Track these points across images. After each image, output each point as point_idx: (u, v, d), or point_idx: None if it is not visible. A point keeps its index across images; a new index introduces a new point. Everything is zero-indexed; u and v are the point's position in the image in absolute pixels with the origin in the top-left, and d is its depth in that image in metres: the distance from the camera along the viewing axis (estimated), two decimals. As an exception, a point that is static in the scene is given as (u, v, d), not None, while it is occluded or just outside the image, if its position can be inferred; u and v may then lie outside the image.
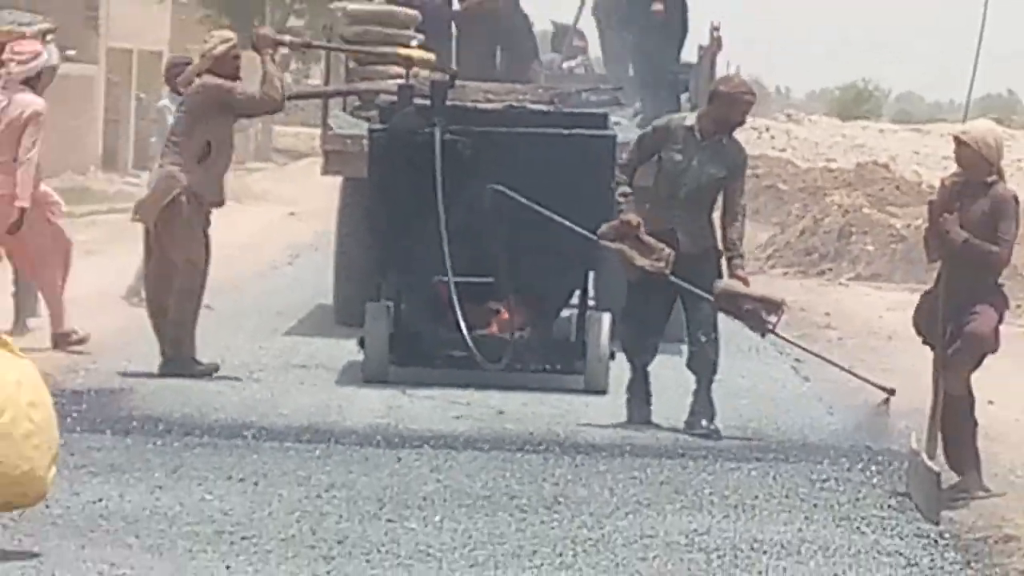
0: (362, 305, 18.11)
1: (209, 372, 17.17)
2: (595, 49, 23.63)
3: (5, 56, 18.36)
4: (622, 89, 20.47)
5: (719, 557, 11.47)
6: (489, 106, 18.21)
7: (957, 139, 13.86)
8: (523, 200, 16.80)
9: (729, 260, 15.96)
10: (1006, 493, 13.40)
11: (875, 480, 14.14)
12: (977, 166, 13.55)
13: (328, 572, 10.65)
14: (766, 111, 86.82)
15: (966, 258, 13.44)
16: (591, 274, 17.82)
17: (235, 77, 17.45)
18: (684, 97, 20.41)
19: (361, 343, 17.82)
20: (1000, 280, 13.71)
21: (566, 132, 17.61)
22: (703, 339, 15.84)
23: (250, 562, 10.81)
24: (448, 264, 17.05)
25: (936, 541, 12.30)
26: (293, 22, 68.49)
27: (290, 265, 26.52)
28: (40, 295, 18.57)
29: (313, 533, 11.64)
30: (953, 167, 13.99)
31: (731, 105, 15.90)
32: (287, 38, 22.38)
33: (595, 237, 15.99)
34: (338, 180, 21.22)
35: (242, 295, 21.88)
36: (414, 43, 20.06)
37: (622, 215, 15.70)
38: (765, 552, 11.65)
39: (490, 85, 19.33)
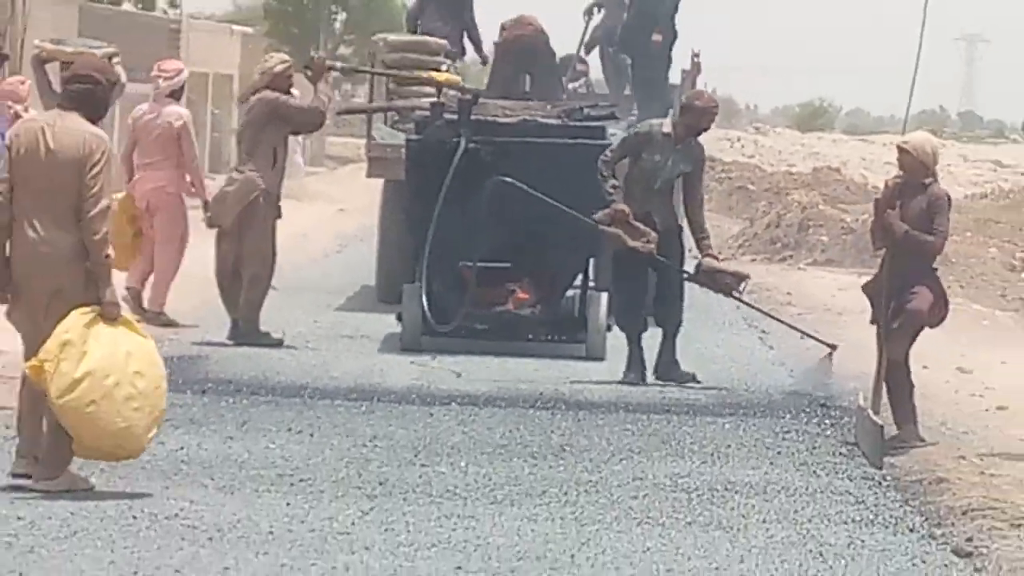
0: (400, 286, 18.14)
1: (273, 343, 17.15)
2: (595, 72, 23.62)
3: (154, 73, 18.55)
4: (618, 105, 20.44)
5: (698, 496, 11.46)
6: (506, 120, 18.18)
7: (900, 147, 13.90)
8: (537, 195, 16.82)
9: (699, 240, 16.59)
10: (938, 443, 13.39)
11: (828, 432, 14.14)
12: (916, 170, 13.57)
13: (371, 509, 10.63)
14: (737, 124, 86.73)
15: (906, 247, 13.45)
16: (591, 260, 17.81)
17: (286, 91, 17.44)
18: (671, 112, 20.37)
19: (399, 318, 17.85)
20: (935, 266, 13.72)
21: (571, 141, 17.66)
22: (670, 300, 16.31)
23: (306, 500, 10.80)
24: (472, 251, 17.14)
25: (880, 483, 12.29)
26: (343, 50, 68.47)
27: (339, 253, 26.46)
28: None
29: (359, 476, 11.63)
30: (895, 171, 14.02)
31: (701, 115, 16.43)
32: (338, 64, 22.40)
33: (600, 224, 16.06)
34: (380, 182, 21.20)
35: (300, 278, 21.84)
36: (443, 68, 20.01)
37: (614, 204, 15.92)
38: (736, 492, 11.64)
39: (507, 102, 19.30)
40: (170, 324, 18.12)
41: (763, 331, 19.61)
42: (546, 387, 15.60)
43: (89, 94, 10.64)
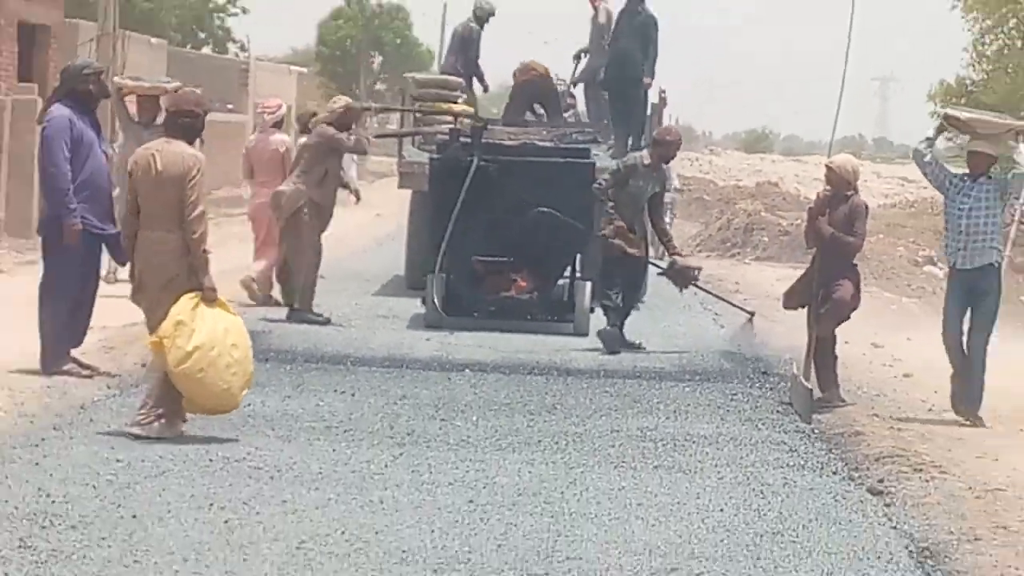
0: (424, 276, 18.13)
1: (321, 321, 17.15)
2: (581, 104, 23.59)
3: (259, 110, 18.75)
4: (599, 132, 20.46)
5: (663, 445, 11.46)
6: (510, 142, 18.23)
7: (827, 166, 13.95)
8: (568, 220, 16.96)
9: (666, 244, 17.07)
10: (856, 403, 13.40)
11: (768, 394, 14.13)
12: (840, 184, 13.58)
13: (400, 454, 10.64)
14: (695, 147, 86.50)
15: (832, 247, 13.45)
16: (578, 256, 17.83)
17: (346, 128, 17.46)
18: (644, 138, 20.36)
19: (423, 301, 17.84)
20: (855, 262, 13.73)
21: (561, 160, 17.72)
22: (636, 287, 16.94)
23: (348, 447, 10.80)
24: (483, 247, 17.19)
25: (809, 435, 12.29)
26: (379, 86, 68.49)
27: (376, 249, 26.45)
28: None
29: (390, 428, 11.63)
30: (823, 185, 13.99)
31: (669, 147, 16.87)
32: (372, 105, 22.50)
33: (584, 227, 16.31)
34: (408, 192, 21.18)
35: (344, 269, 21.82)
36: (460, 101, 20.02)
37: (615, 222, 16.30)
38: (693, 442, 11.64)
39: (511, 128, 19.34)
40: (277, 303, 18.40)
41: (716, 314, 19.61)
42: (541, 357, 15.59)
43: (190, 124, 10.98)
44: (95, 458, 9.94)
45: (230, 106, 41.36)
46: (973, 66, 52.96)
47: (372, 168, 51.13)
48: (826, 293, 13.46)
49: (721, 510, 9.46)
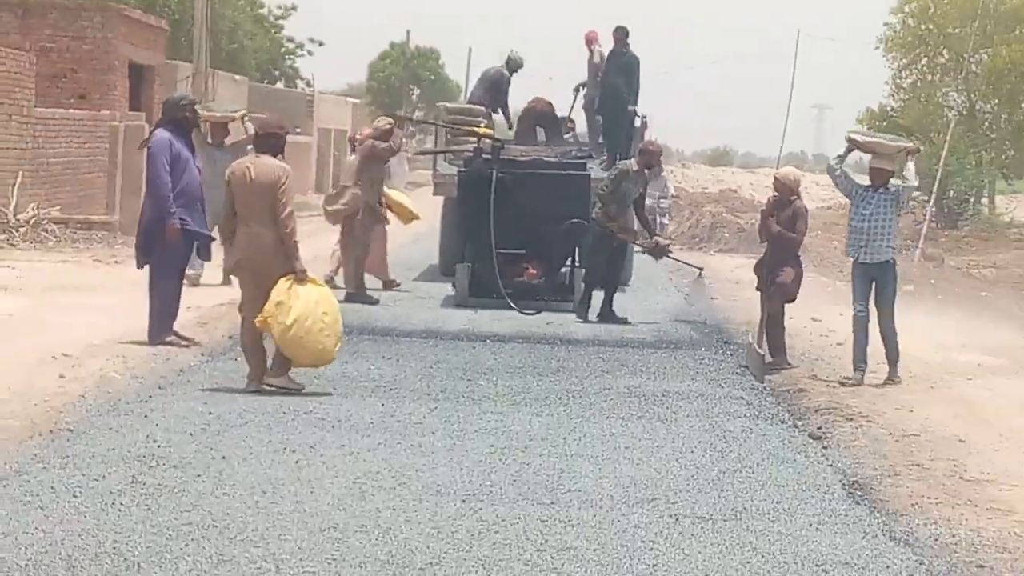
0: (454, 265, 18.14)
1: (372, 301, 17.15)
2: (580, 127, 23.52)
3: (359, 136, 18.64)
4: (594, 149, 20.42)
5: (645, 400, 11.45)
6: (523, 158, 18.21)
7: (775, 177, 13.95)
8: (556, 209, 17.06)
9: (648, 228, 17.32)
10: (799, 366, 13.36)
11: (729, 358, 14.10)
12: (785, 191, 13.57)
13: (435, 408, 10.63)
14: (670, 161, 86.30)
15: (779, 241, 13.43)
16: (576, 248, 17.80)
17: (386, 140, 17.49)
18: (632, 153, 20.32)
19: (453, 285, 17.84)
20: (798, 253, 13.71)
21: (564, 172, 17.71)
22: (619, 270, 17.05)
23: (393, 402, 10.81)
24: (501, 242, 17.18)
25: (762, 391, 12.28)
26: (417, 113, 68.38)
27: (415, 244, 26.39)
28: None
29: (427, 386, 11.63)
30: (772, 192, 13.95)
31: (651, 156, 16.94)
32: (411, 117, 22.59)
33: (581, 225, 16.43)
34: (441, 198, 21.16)
35: (390, 259, 21.78)
36: (483, 124, 20.00)
37: (619, 221, 16.53)
38: (670, 397, 11.63)
39: (524, 147, 19.30)
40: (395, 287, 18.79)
41: (686, 295, 19.57)
42: (547, 330, 15.58)
43: (276, 142, 11.15)
44: (192, 411, 9.96)
45: (298, 130, 41.34)
46: (893, 96, 52.87)
47: (412, 180, 51.17)
48: (773, 278, 13.47)
49: (691, 452, 9.45)
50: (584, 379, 12.38)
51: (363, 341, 14.13)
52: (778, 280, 13.40)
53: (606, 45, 21.21)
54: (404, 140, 18.54)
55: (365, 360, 12.88)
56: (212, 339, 13.26)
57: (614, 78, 20.53)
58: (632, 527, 7.39)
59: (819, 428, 10.47)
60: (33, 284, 16.92)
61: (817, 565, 6.86)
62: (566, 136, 21.42)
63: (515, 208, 17.18)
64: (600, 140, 21.05)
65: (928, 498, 8.22)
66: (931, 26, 50.42)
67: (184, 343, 12.60)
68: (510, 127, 23.66)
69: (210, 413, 9.90)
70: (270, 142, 11.06)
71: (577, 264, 17.82)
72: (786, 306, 13.57)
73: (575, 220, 16.92)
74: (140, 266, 12.87)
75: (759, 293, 13.72)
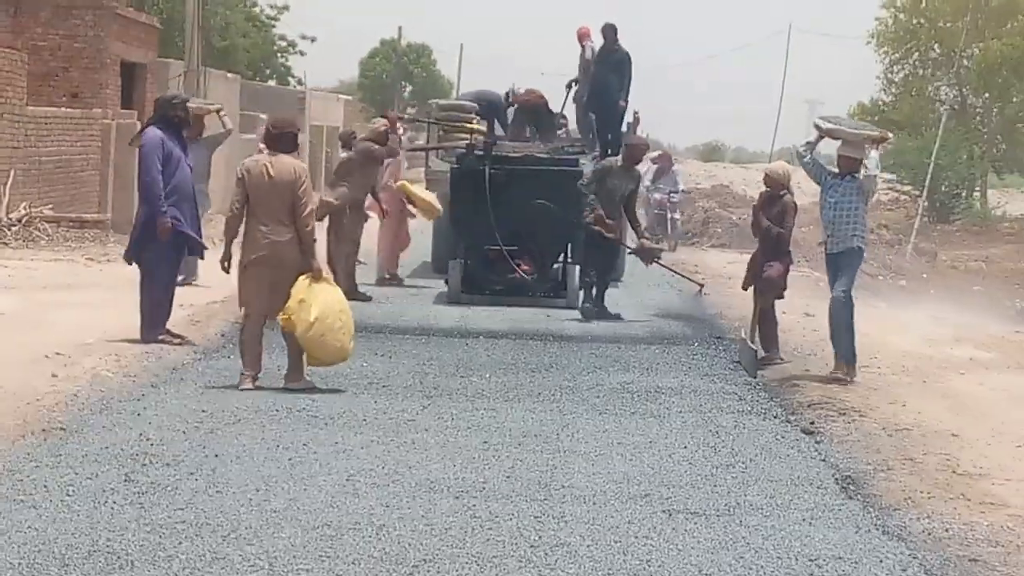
0: (447, 261, 18.14)
1: (364, 298, 17.13)
2: (572, 123, 23.49)
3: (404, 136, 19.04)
4: (586, 145, 20.39)
5: (637, 396, 11.46)
6: (515, 154, 18.20)
7: (765, 172, 13.94)
8: (548, 205, 16.98)
9: (636, 229, 17.01)
10: (791, 361, 13.38)
11: (722, 354, 14.11)
12: (775, 186, 13.56)
13: (428, 404, 10.63)
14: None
15: (769, 236, 13.42)
16: (569, 244, 17.78)
17: (383, 143, 17.45)
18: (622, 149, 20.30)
19: (446, 282, 17.84)
20: (788, 248, 13.70)
21: (555, 168, 17.67)
22: (610, 267, 16.88)
23: (386, 398, 10.81)
24: (493, 238, 17.19)
25: (754, 386, 12.29)
26: (409, 110, 68.34)
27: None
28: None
29: (420, 383, 11.63)
30: (763, 187, 13.95)
31: (635, 151, 16.83)
32: (403, 115, 22.56)
33: (574, 222, 16.36)
34: (434, 194, 21.14)
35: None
36: (474, 121, 19.98)
37: (596, 211, 16.18)
38: (662, 393, 11.63)
39: (516, 143, 19.28)
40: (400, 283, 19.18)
41: (679, 290, 19.59)
42: (540, 326, 15.59)
43: (292, 140, 11.21)
44: (185, 409, 9.95)
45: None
46: (884, 90, 52.92)
47: (408, 176, 51.20)
48: (760, 274, 13.46)
49: (684, 447, 9.45)
50: (577, 375, 12.38)
51: (356, 338, 14.07)
52: (764, 275, 13.39)
53: (598, 41, 21.18)
54: (401, 140, 18.48)
55: (358, 357, 12.82)
56: (205, 337, 13.25)
57: (605, 75, 20.52)
58: (625, 523, 7.39)
59: (812, 423, 10.47)
60: (25, 283, 16.90)
61: (810, 560, 6.86)
62: (558, 132, 21.38)
63: (508, 204, 17.18)
64: (592, 135, 21.01)
65: (921, 492, 8.23)
66: (922, 20, 50.47)
67: (176, 341, 12.59)
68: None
69: (203, 411, 9.89)
70: (286, 140, 11.11)
71: (570, 260, 17.82)
72: (778, 301, 13.57)
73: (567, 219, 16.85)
74: (128, 260, 12.85)
75: (751, 288, 13.69)
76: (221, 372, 11.57)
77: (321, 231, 18.60)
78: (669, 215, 28.46)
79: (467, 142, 18.45)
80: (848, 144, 12.59)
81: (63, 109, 25.39)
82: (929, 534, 7.39)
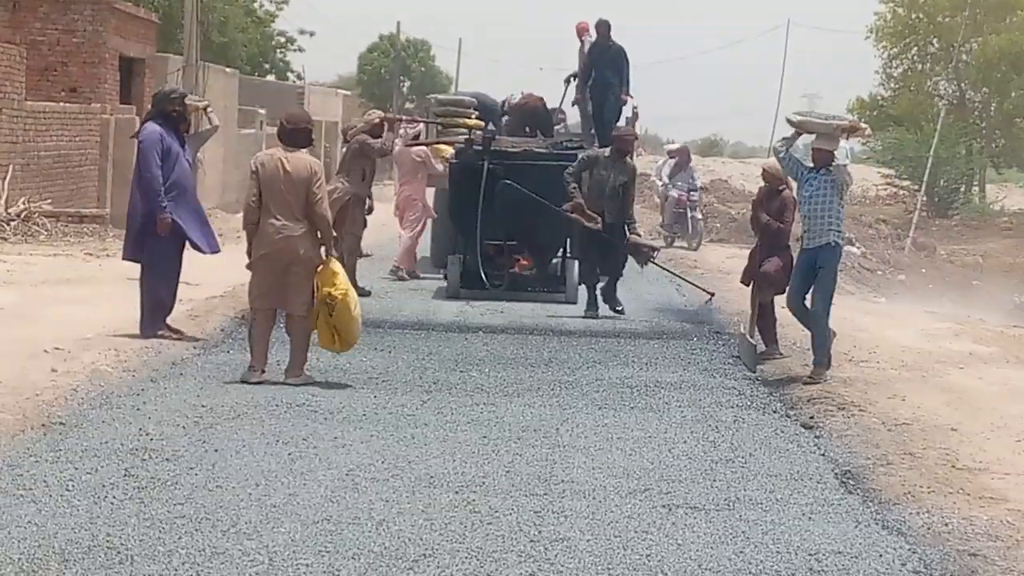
0: (445, 256, 18.14)
1: (364, 293, 17.12)
2: (571, 118, 23.46)
3: (402, 130, 19.29)
4: (585, 140, 20.37)
5: (637, 390, 11.46)
6: (513, 149, 18.16)
7: (763, 168, 13.91)
8: (527, 192, 16.82)
9: (629, 226, 16.42)
10: (791, 356, 13.36)
11: (721, 348, 14.11)
12: (773, 181, 13.53)
13: (428, 399, 10.63)
14: (661, 152, 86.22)
15: (768, 231, 13.41)
16: (568, 239, 17.75)
17: (379, 136, 17.40)
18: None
19: (445, 276, 17.84)
20: (788, 243, 13.68)
21: (555, 163, 17.58)
22: (614, 264, 16.31)
23: (386, 393, 10.81)
24: (492, 233, 17.17)
25: (753, 381, 12.29)
26: (408, 105, 68.30)
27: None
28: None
29: (420, 378, 11.63)
30: (761, 182, 13.93)
31: (622, 143, 16.51)
32: (402, 117, 22.50)
33: (564, 212, 16.17)
34: (432, 189, 21.13)
35: (382, 250, 21.78)
36: (473, 116, 19.97)
37: (575, 199, 15.97)
38: (662, 388, 11.63)
39: (514, 139, 19.24)
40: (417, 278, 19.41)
41: (677, 286, 19.58)
42: (539, 321, 15.58)
43: (307, 136, 11.23)
44: (184, 404, 9.95)
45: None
46: (883, 85, 52.93)
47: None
48: (760, 269, 13.43)
49: (684, 442, 9.45)
50: (576, 370, 12.38)
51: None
52: (762, 270, 13.37)
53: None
54: (396, 143, 18.46)
55: (357, 352, 12.84)
56: (204, 332, 13.24)
57: (602, 71, 20.51)
58: (625, 517, 7.39)
59: (811, 417, 10.47)
60: (24, 278, 16.89)
61: (810, 554, 6.87)
62: (557, 127, 21.36)
63: (506, 199, 17.16)
64: (592, 131, 21.00)
65: (920, 487, 8.23)
66: (921, 15, 50.47)
67: (176, 336, 12.58)
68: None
69: (203, 406, 9.89)
70: (300, 136, 11.15)
71: (568, 255, 17.80)
72: (777, 296, 13.55)
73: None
74: (127, 258, 12.84)
75: (750, 283, 13.68)
76: (221, 367, 11.57)
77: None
78: (689, 214, 27.69)
79: (466, 137, 18.44)
80: (821, 137, 12.34)
81: (61, 104, 25.37)
82: (928, 528, 7.39)
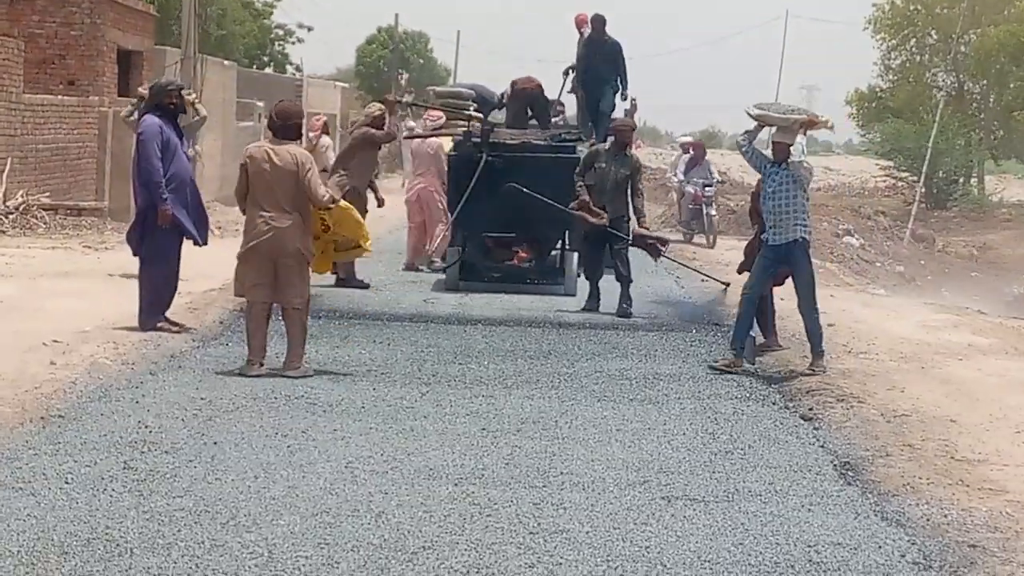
0: (445, 248, 18.10)
1: (363, 286, 17.13)
2: (569, 110, 23.44)
3: (424, 117, 19.49)
4: (583, 132, 20.34)
5: (635, 382, 11.46)
6: (512, 141, 18.14)
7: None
8: (533, 194, 16.76)
9: (637, 219, 16.11)
10: (790, 348, 13.35)
11: (720, 340, 14.07)
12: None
13: (427, 392, 10.63)
14: (659, 144, 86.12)
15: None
16: (567, 231, 17.74)
17: (380, 127, 17.37)
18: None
19: (444, 269, 17.81)
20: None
21: (553, 155, 17.59)
22: (621, 265, 15.90)
23: (385, 386, 10.80)
24: (491, 225, 17.17)
25: (753, 373, 12.26)
26: (406, 98, 68.23)
27: (404, 229, 26.42)
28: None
29: (419, 370, 11.62)
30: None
31: (621, 133, 16.29)
32: (404, 99, 22.61)
33: (568, 210, 16.05)
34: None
35: (380, 243, 21.73)
36: (472, 108, 19.96)
37: (580, 196, 15.82)
38: (661, 379, 11.63)
39: (513, 130, 19.20)
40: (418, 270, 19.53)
41: (677, 277, 19.59)
42: (538, 313, 15.56)
43: (296, 129, 11.27)
44: (183, 397, 9.95)
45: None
46: (881, 77, 52.88)
47: (396, 163, 51.11)
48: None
49: (683, 434, 9.45)
50: (575, 362, 12.38)
51: (354, 326, 14.12)
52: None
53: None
54: (399, 126, 18.51)
55: (356, 344, 12.87)
56: (203, 324, 13.24)
57: (597, 65, 20.50)
58: (624, 509, 7.39)
59: (810, 409, 10.47)
60: (23, 270, 16.88)
61: (809, 546, 6.87)
62: (556, 119, 21.35)
63: (506, 191, 17.12)
64: (590, 124, 20.98)
65: (919, 478, 8.23)
66: (919, 6, 50.40)
67: (175, 329, 12.58)
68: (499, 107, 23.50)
69: (202, 398, 9.89)
70: (290, 128, 11.16)
71: (568, 247, 17.79)
72: (776, 288, 13.54)
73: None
74: (136, 253, 12.82)
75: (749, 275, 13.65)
76: (219, 359, 11.57)
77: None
78: (705, 210, 27.42)
79: (464, 129, 18.42)
80: (781, 130, 12.24)
81: (60, 97, 25.36)
82: (928, 520, 7.39)
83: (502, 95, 21.17)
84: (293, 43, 55.59)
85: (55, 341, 11.49)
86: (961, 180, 47.56)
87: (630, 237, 16.02)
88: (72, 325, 12.35)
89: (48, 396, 9.51)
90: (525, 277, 17.75)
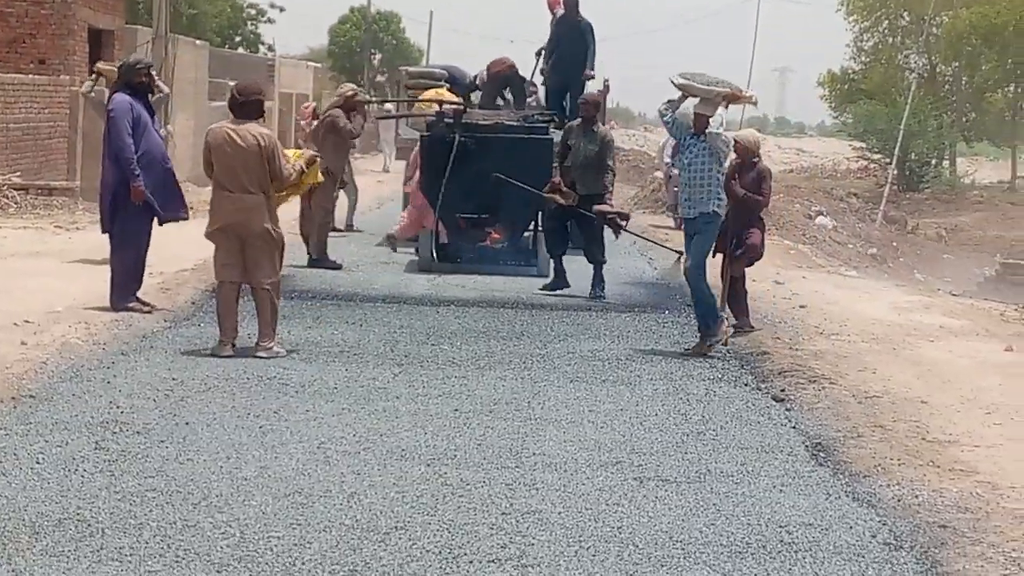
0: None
1: (335, 266, 17.09)
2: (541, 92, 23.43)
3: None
4: (556, 114, 20.31)
5: (608, 362, 11.47)
6: (485, 122, 18.08)
7: (735, 140, 13.71)
8: (512, 181, 16.72)
9: (602, 196, 15.90)
10: (762, 329, 13.37)
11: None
12: (745, 153, 13.48)
13: (400, 372, 10.62)
14: (632, 125, 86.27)
15: (744, 204, 13.37)
16: (539, 213, 17.69)
17: (352, 110, 17.33)
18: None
19: (417, 250, 17.78)
20: (761, 215, 13.68)
21: (526, 136, 17.54)
22: (593, 241, 15.88)
23: (358, 366, 10.79)
24: (464, 206, 17.12)
25: (725, 354, 12.28)
26: (379, 78, 68.11)
27: (379, 208, 26.33)
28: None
29: (391, 351, 11.61)
30: (734, 155, 13.89)
31: (585, 108, 16.19)
32: (371, 98, 22.51)
33: (540, 193, 16.04)
34: (404, 162, 21.07)
35: (370, 226, 21.73)
36: (444, 88, 19.91)
37: (553, 178, 15.87)
38: (633, 360, 11.65)
39: (486, 111, 19.16)
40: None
41: (650, 258, 19.61)
42: (511, 294, 15.57)
43: (258, 107, 11.15)
44: (155, 377, 9.92)
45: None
46: (854, 59, 53.04)
47: (375, 144, 50.97)
48: (739, 240, 13.39)
49: (655, 415, 9.47)
50: (548, 343, 12.38)
51: (327, 306, 14.10)
52: (748, 242, 13.34)
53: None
54: (364, 126, 18.32)
55: (329, 325, 12.85)
56: (175, 305, 13.20)
57: (569, 45, 20.46)
58: (596, 490, 7.40)
59: (782, 390, 10.50)
60: (-7, 250, 16.79)
61: (780, 526, 6.89)
62: (529, 100, 21.32)
63: (478, 173, 17.11)
64: (564, 103, 20.95)
65: (891, 459, 8.26)
66: (892, -11, 50.52)
67: (146, 309, 12.53)
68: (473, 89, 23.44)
69: (173, 379, 9.86)
70: (251, 107, 11.04)
71: (540, 229, 17.78)
72: (747, 269, 13.57)
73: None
74: (105, 231, 12.76)
75: (719, 256, 13.68)
76: (191, 340, 11.54)
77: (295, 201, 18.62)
78: None
79: (437, 111, 18.38)
80: (703, 102, 12.23)
81: (30, 76, 25.21)
82: (899, 500, 7.42)
83: (475, 77, 21.12)
84: (265, 23, 55.46)
85: (26, 321, 11.44)
86: (933, 162, 47.75)
87: (590, 213, 15.92)
88: (43, 305, 12.30)
89: (19, 376, 9.47)
90: (498, 258, 17.74)
